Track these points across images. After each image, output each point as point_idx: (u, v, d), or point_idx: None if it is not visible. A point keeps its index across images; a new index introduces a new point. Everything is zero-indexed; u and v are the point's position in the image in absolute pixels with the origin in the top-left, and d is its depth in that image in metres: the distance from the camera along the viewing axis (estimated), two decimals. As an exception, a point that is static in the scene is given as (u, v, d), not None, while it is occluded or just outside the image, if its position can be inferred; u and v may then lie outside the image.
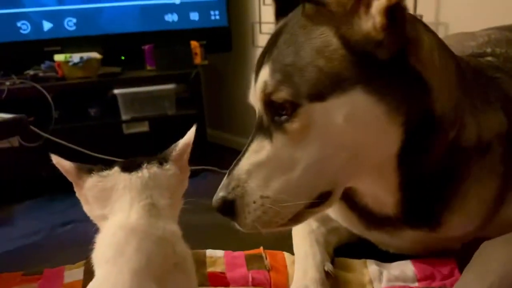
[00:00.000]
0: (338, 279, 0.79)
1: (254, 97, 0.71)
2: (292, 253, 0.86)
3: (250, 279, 0.81)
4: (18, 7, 2.57)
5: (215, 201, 0.69)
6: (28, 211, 2.30)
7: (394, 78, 0.64)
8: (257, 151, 0.68)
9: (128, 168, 0.61)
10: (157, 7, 2.72)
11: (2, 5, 2.54)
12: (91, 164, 0.63)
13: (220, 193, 0.69)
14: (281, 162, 0.67)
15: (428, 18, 1.85)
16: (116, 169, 0.61)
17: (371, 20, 0.62)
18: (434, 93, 0.67)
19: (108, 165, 0.62)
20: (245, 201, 0.67)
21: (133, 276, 0.50)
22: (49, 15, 2.60)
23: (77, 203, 0.64)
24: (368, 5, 0.62)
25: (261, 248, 0.88)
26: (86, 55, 2.48)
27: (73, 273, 0.85)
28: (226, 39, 2.81)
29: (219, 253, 0.88)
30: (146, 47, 2.65)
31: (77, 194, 0.62)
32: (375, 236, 0.85)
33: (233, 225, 0.70)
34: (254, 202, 0.67)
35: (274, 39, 0.69)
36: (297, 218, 0.70)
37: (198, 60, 2.63)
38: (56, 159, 0.61)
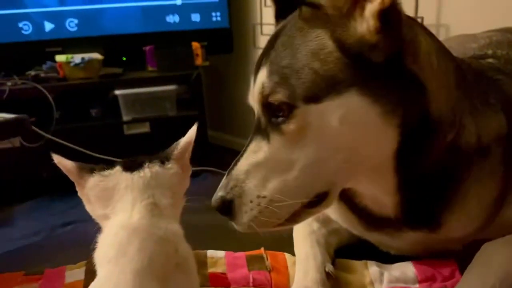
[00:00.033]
0: (338, 280, 0.79)
1: (253, 99, 0.71)
2: (293, 254, 0.86)
3: (251, 280, 0.81)
4: (19, 7, 2.57)
5: (214, 201, 0.69)
6: (28, 212, 2.30)
7: (390, 80, 0.64)
8: (255, 152, 0.69)
9: (130, 167, 0.61)
10: (158, 8, 2.73)
11: (3, 6, 2.55)
12: (92, 164, 0.63)
13: (219, 193, 0.69)
14: (278, 163, 0.67)
15: (429, 20, 1.85)
16: (117, 168, 0.61)
17: (365, 23, 0.62)
18: (431, 95, 0.66)
19: (109, 165, 0.62)
20: (242, 200, 0.68)
21: (135, 276, 0.50)
22: (50, 16, 2.61)
23: (77, 204, 0.64)
24: (363, 8, 0.62)
25: (262, 248, 0.88)
26: (87, 55, 2.48)
27: (74, 273, 0.84)
28: (227, 40, 2.82)
29: (220, 253, 0.88)
30: (147, 48, 2.65)
31: (79, 194, 0.62)
32: (376, 237, 0.85)
33: (231, 225, 0.70)
34: (251, 202, 0.67)
35: (273, 41, 0.69)
36: (294, 218, 0.70)
37: (199, 61, 2.63)
38: (57, 159, 0.60)
